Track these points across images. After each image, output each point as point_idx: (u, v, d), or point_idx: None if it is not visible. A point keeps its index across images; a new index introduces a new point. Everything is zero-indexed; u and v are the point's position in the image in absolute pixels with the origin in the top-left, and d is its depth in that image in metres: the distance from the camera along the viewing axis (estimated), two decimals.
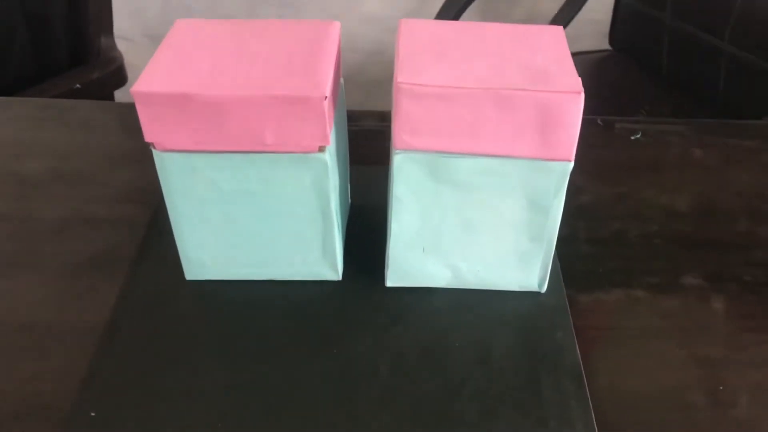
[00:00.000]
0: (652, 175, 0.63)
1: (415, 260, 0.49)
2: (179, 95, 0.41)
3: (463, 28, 0.48)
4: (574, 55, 0.46)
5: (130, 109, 0.72)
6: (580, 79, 0.42)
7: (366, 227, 0.56)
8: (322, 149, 0.44)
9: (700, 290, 0.52)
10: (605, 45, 1.51)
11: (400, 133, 0.43)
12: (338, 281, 0.51)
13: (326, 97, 0.41)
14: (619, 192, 0.61)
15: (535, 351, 0.47)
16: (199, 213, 0.47)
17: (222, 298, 0.50)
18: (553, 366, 0.46)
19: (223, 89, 0.41)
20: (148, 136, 0.43)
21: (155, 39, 1.85)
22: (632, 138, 0.66)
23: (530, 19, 1.95)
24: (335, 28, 0.47)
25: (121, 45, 1.36)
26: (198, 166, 0.45)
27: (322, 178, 0.45)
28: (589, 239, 0.56)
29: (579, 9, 1.44)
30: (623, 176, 0.63)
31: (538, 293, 0.51)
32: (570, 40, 0.47)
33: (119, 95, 1.42)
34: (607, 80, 1.42)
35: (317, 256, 0.50)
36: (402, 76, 0.42)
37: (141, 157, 0.65)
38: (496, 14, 1.97)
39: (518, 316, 0.49)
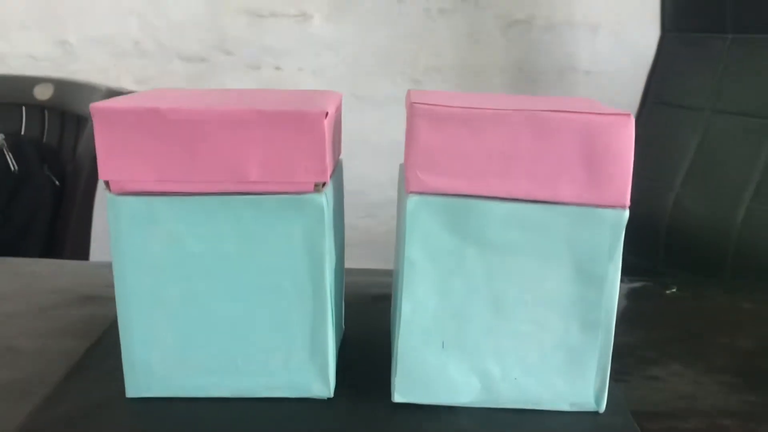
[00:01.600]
0: (701, 321, 0.53)
1: (432, 361, 0.37)
2: (147, 111, 0.34)
3: (479, 95, 0.42)
4: None
5: (82, 267, 0.63)
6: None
7: (363, 349, 0.44)
8: (318, 188, 0.35)
9: None
10: None
11: (415, 170, 0.35)
12: (329, 399, 0.39)
13: (327, 113, 0.34)
14: (668, 335, 0.51)
15: None
16: (153, 288, 0.36)
17: (171, 421, 0.37)
18: None
19: (201, 107, 0.34)
20: (104, 171, 0.35)
21: None
22: (667, 292, 0.58)
23: None
24: (337, 94, 0.42)
25: None
26: (160, 216, 0.35)
27: (316, 231, 0.36)
28: (645, 377, 0.45)
29: None
30: (668, 323, 0.53)
31: (594, 413, 0.38)
32: None
33: None
34: None
35: (303, 358, 0.38)
36: (419, 100, 0.35)
37: (87, 300, 0.54)
38: None
39: None
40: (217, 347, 0.37)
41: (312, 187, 0.35)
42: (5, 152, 1.25)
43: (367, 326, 0.47)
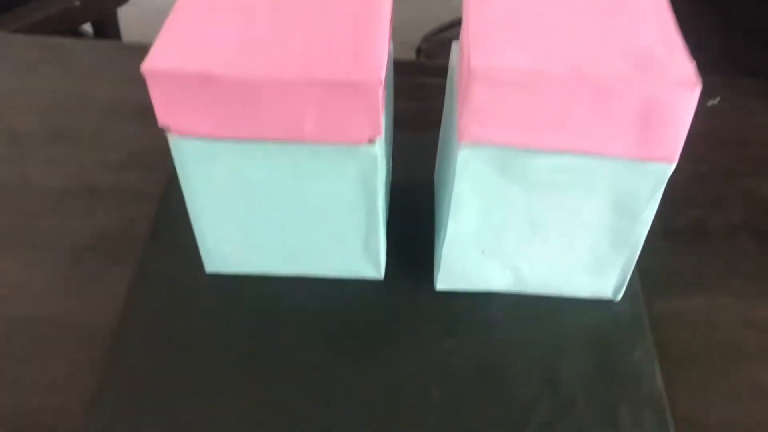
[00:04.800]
0: (735, 150, 0.55)
1: (471, 262, 0.42)
2: (200, 75, 0.33)
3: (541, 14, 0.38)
4: None
5: (135, 52, 0.63)
6: (693, 64, 0.34)
7: (409, 214, 0.48)
8: (371, 141, 0.36)
9: None
10: None
11: (469, 124, 0.35)
12: (380, 281, 0.45)
13: (382, 82, 0.33)
14: (697, 171, 0.53)
15: (610, 375, 0.41)
16: (222, 204, 0.40)
17: (247, 298, 0.44)
18: (632, 394, 0.40)
19: (255, 68, 0.33)
20: (163, 119, 0.36)
21: None
22: (709, 104, 0.58)
23: None
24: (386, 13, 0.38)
25: None
26: (221, 155, 0.37)
27: (369, 173, 0.38)
28: (664, 231, 0.49)
29: None
30: (700, 151, 0.55)
31: (611, 301, 0.44)
32: None
33: (122, 13, 1.32)
34: None
35: (357, 253, 0.43)
36: (477, 58, 0.34)
37: (150, 113, 0.57)
38: None
39: (589, 330, 0.43)
40: (280, 247, 0.42)
41: (366, 140, 0.36)
42: None
43: (413, 173, 0.50)
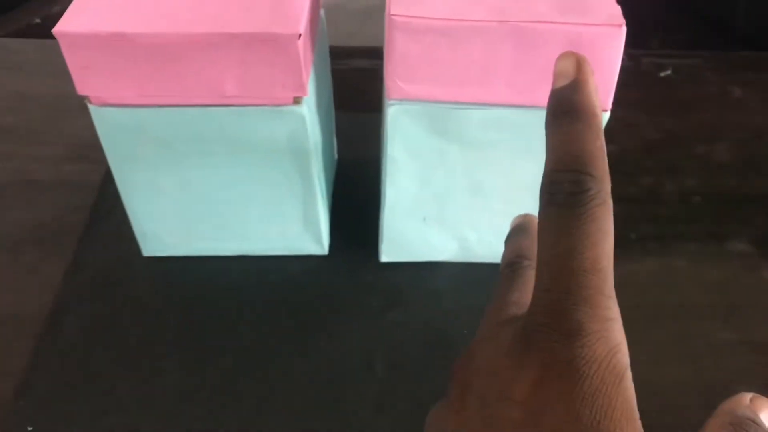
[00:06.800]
0: (686, 119, 0.55)
1: (414, 231, 0.41)
2: (114, 36, 0.32)
3: None
4: None
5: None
6: (619, 7, 0.34)
7: (355, 189, 0.47)
8: (297, 101, 0.35)
9: (747, 258, 0.44)
10: None
11: (395, 79, 0.35)
12: (324, 256, 0.43)
13: (300, 35, 0.33)
14: (650, 140, 0.53)
15: None
16: (151, 180, 0.39)
17: (186, 280, 0.42)
18: None
19: (170, 26, 0.32)
20: (81, 88, 0.35)
21: None
22: (661, 75, 0.58)
23: None
24: None
25: None
26: (145, 124, 0.36)
27: (299, 135, 0.37)
28: (617, 197, 0.48)
29: None
30: (653, 121, 0.54)
31: None
32: None
33: None
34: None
35: (298, 229, 0.42)
36: (396, 7, 0.33)
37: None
38: None
39: None
40: (217, 224, 0.41)
41: (291, 100, 0.35)
42: None
43: (359, 152, 0.49)
